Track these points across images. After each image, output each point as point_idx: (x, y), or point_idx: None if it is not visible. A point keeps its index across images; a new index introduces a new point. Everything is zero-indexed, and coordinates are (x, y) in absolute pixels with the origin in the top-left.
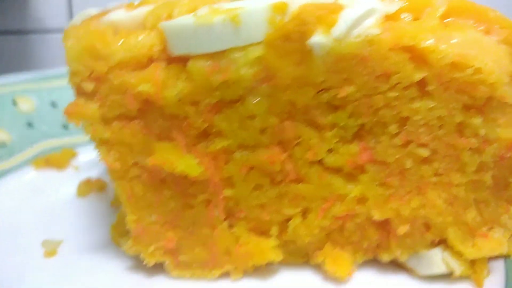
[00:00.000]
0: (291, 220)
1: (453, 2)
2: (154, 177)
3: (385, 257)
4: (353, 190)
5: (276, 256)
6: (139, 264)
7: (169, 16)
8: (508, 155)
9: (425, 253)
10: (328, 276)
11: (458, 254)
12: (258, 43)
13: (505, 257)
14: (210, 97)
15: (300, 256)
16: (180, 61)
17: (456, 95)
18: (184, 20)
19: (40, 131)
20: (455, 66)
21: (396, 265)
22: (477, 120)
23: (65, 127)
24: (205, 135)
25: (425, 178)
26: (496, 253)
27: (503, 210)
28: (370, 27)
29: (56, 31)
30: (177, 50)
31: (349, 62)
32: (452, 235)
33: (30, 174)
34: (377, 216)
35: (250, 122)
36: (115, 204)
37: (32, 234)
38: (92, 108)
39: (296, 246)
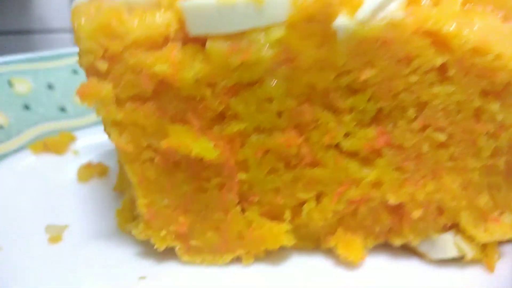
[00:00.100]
0: (305, 204)
1: None
2: (167, 160)
3: (397, 242)
4: (369, 174)
5: (289, 240)
6: (147, 250)
7: None
8: None
9: (437, 237)
10: (340, 261)
11: (470, 238)
12: (280, 24)
13: None
14: (228, 79)
15: (311, 241)
16: (197, 42)
17: (476, 80)
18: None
19: (37, 113)
20: (476, 51)
21: (407, 250)
22: (494, 106)
23: (62, 110)
24: (221, 117)
25: (440, 162)
26: (507, 237)
27: None
28: (395, 10)
29: (58, 31)
30: (196, 30)
31: (371, 45)
32: (465, 219)
33: (29, 159)
34: (392, 200)
35: (267, 105)
36: (118, 189)
37: (35, 220)
38: (106, 88)
39: (308, 230)
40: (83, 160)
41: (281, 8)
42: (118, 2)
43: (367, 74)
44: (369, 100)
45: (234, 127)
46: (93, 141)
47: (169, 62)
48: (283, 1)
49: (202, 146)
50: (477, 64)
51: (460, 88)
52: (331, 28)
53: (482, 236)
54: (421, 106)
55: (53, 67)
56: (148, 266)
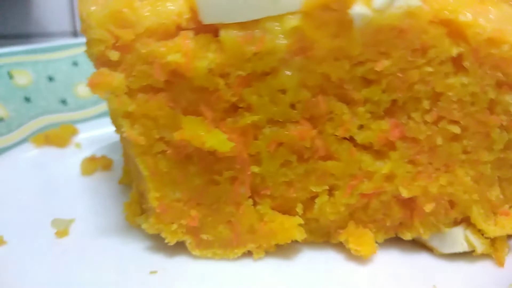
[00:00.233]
0: (318, 198)
1: None
2: (180, 153)
3: (407, 236)
4: (383, 167)
5: (301, 234)
6: (156, 244)
7: None
8: None
9: (448, 231)
10: (351, 255)
11: (480, 232)
12: (295, 13)
13: None
14: (241, 69)
15: (321, 235)
16: (209, 31)
17: (491, 72)
18: None
19: (38, 106)
20: (491, 41)
21: (417, 245)
22: (509, 97)
23: (63, 102)
24: (234, 109)
25: (454, 155)
26: None
27: None
28: None
29: (57, 35)
30: (209, 18)
31: (387, 34)
32: (475, 213)
33: (31, 152)
34: (405, 193)
35: (281, 96)
36: (123, 182)
37: (40, 213)
38: (118, 78)
39: (319, 224)
40: (86, 153)
41: None
42: None
43: (383, 64)
44: (383, 91)
45: (247, 119)
46: (95, 133)
47: (182, 52)
48: None
49: (216, 139)
50: (492, 55)
51: (475, 79)
52: (347, 17)
53: (492, 230)
54: (436, 97)
55: (53, 58)
56: (159, 261)
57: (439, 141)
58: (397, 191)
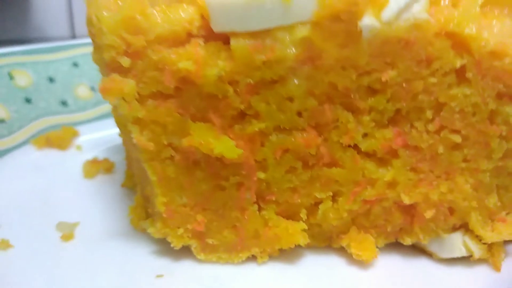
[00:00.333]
0: (322, 204)
1: None
2: (187, 159)
3: (407, 241)
4: (385, 174)
5: (304, 239)
6: (162, 249)
7: None
8: None
9: (447, 237)
10: (353, 259)
11: (477, 238)
12: (305, 23)
13: None
14: (250, 77)
15: (323, 240)
16: (219, 39)
17: (492, 83)
18: None
19: (39, 107)
20: (494, 54)
21: (416, 250)
22: (509, 108)
23: (63, 103)
24: (242, 116)
25: (454, 164)
26: None
27: None
28: (418, 11)
29: (57, 40)
30: (220, 27)
31: (394, 46)
32: (474, 219)
33: (33, 155)
34: (406, 200)
35: (288, 104)
36: (126, 185)
37: (44, 216)
38: (129, 84)
39: (321, 229)
40: (87, 155)
41: (307, 7)
42: None
43: (389, 74)
44: (388, 100)
45: (255, 126)
46: (96, 136)
47: (192, 59)
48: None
49: (224, 145)
50: (494, 67)
51: (477, 90)
52: (356, 28)
53: (490, 236)
54: (439, 107)
55: (53, 59)
56: (165, 265)
57: (440, 149)
58: (398, 197)
